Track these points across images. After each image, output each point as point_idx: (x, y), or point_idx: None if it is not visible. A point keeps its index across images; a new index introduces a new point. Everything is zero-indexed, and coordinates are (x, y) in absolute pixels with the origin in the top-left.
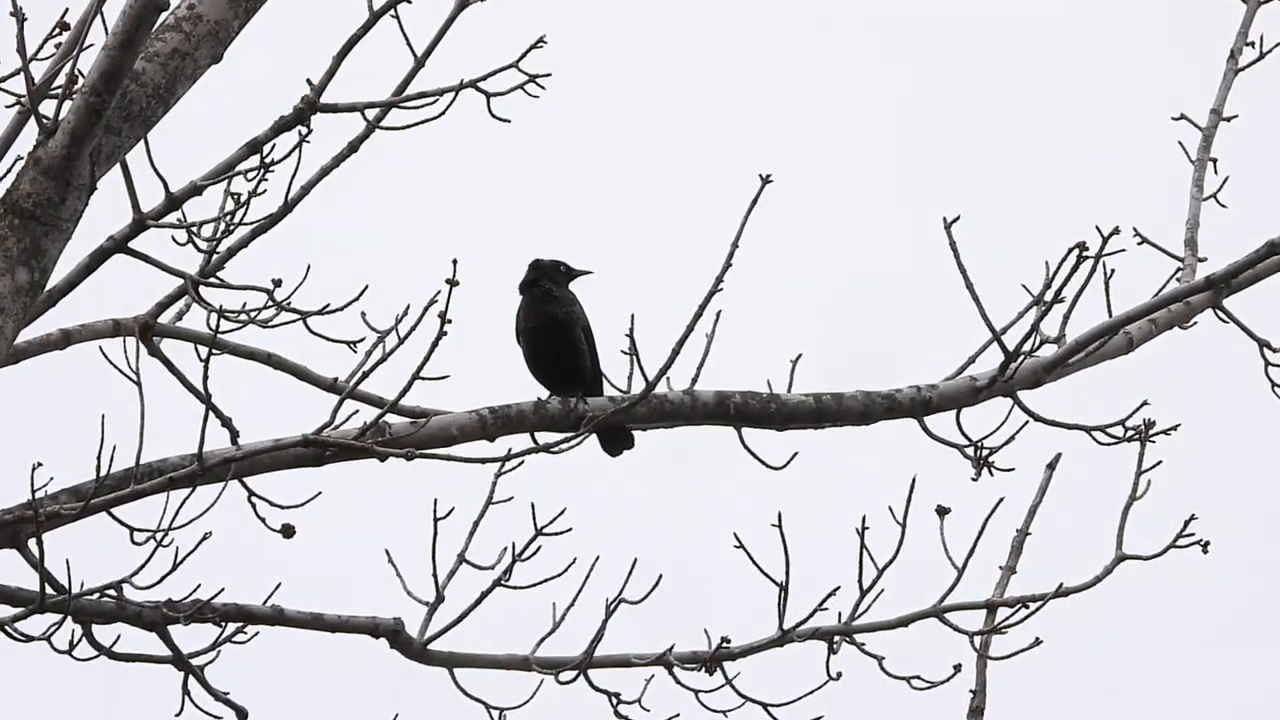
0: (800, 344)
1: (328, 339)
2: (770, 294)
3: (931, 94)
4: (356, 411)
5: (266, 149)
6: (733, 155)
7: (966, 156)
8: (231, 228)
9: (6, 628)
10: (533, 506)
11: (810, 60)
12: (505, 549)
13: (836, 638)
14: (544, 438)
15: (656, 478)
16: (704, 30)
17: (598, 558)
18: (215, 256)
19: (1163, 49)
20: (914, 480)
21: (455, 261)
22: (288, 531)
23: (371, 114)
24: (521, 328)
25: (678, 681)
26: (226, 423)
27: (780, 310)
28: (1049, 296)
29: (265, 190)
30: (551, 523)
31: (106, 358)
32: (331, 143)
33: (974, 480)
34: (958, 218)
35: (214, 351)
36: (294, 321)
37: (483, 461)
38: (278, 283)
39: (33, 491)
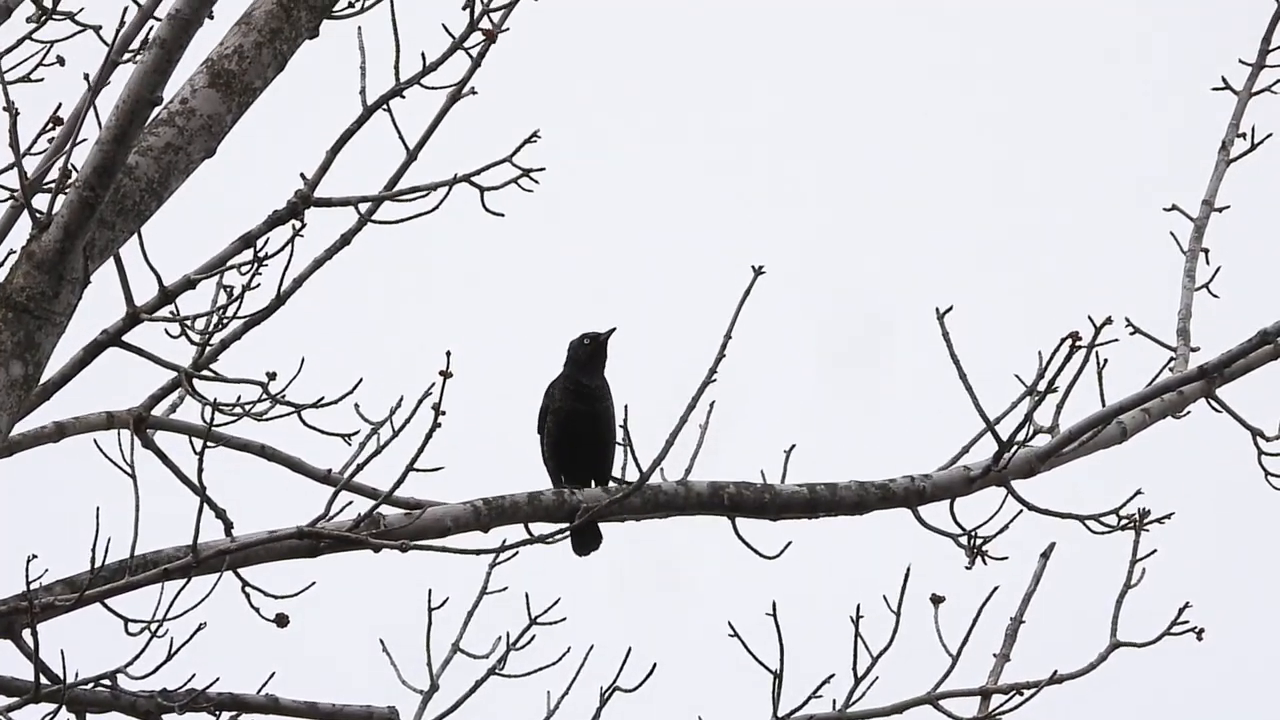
0: (795, 435)
1: (322, 431)
2: (765, 382)
3: (923, 181)
4: (351, 503)
5: (260, 242)
6: (728, 242)
7: (959, 248)
8: (225, 321)
9: (2, 717)
10: (527, 596)
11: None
12: (499, 638)
13: None
14: (538, 528)
15: (651, 567)
16: (698, 113)
17: (591, 646)
18: (208, 349)
19: (1154, 140)
20: (908, 569)
21: (449, 353)
22: (282, 621)
23: (364, 208)
24: (563, 410)
25: None
26: (221, 514)
27: (775, 400)
28: (1042, 386)
29: (259, 283)
30: (545, 612)
31: (101, 450)
32: (325, 235)
33: (968, 569)
34: (950, 308)
35: (208, 444)
36: (288, 414)
37: (477, 553)
38: (272, 375)
39: (27, 583)
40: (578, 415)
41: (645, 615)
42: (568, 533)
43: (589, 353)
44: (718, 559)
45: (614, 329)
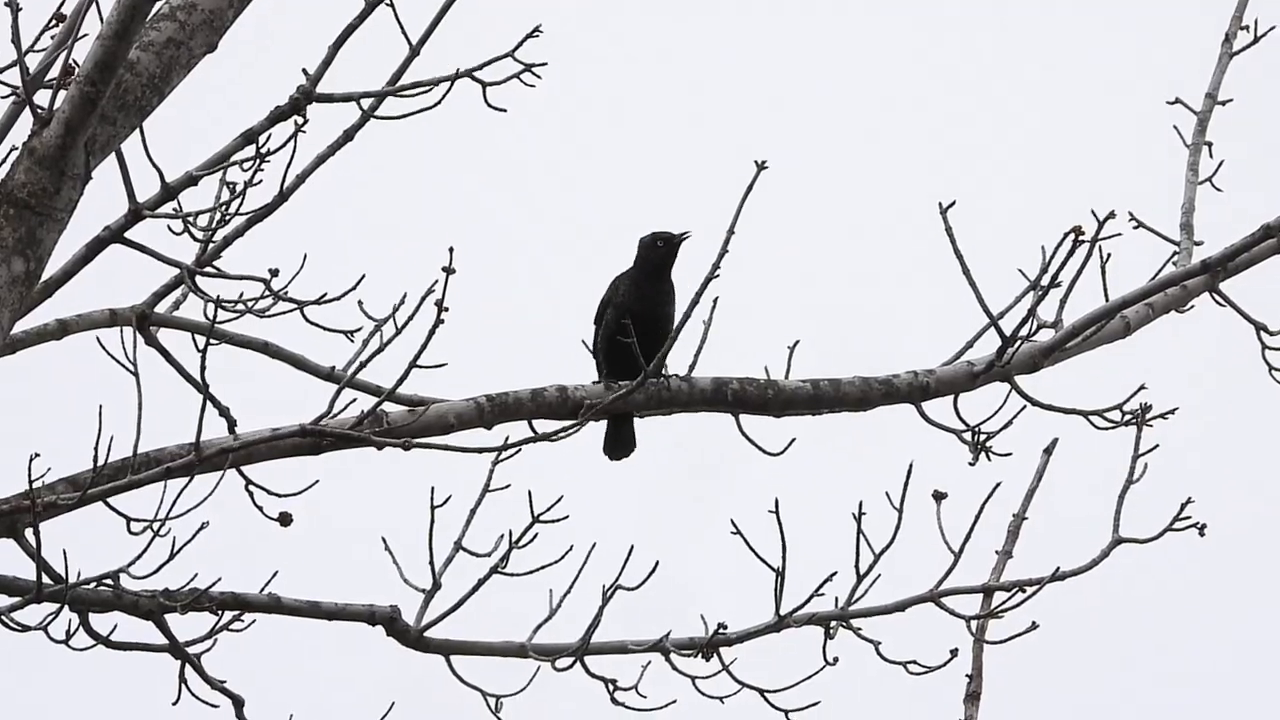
0: (799, 331)
1: (325, 328)
2: (770, 280)
3: (928, 81)
4: (354, 400)
5: (262, 139)
6: (730, 140)
7: (962, 142)
8: (227, 218)
9: (4, 617)
10: (530, 494)
11: (806, 43)
12: (502, 537)
13: (833, 623)
14: (541, 425)
15: (653, 465)
16: (699, 16)
17: (594, 545)
18: (211, 246)
19: (1158, 33)
20: (911, 466)
21: (452, 250)
22: (285, 520)
23: (367, 104)
24: (625, 308)
25: (674, 668)
26: (224, 412)
27: (779, 297)
28: (1045, 281)
29: (261, 180)
30: (548, 510)
31: (104, 347)
32: (327, 132)
33: (971, 465)
34: (953, 203)
35: (211, 341)
36: (291, 311)
37: (480, 451)
38: (274, 272)
39: (30, 481)
40: (639, 315)
41: (647, 513)
42: (572, 429)
43: (661, 255)
44: (722, 457)
45: (687, 233)
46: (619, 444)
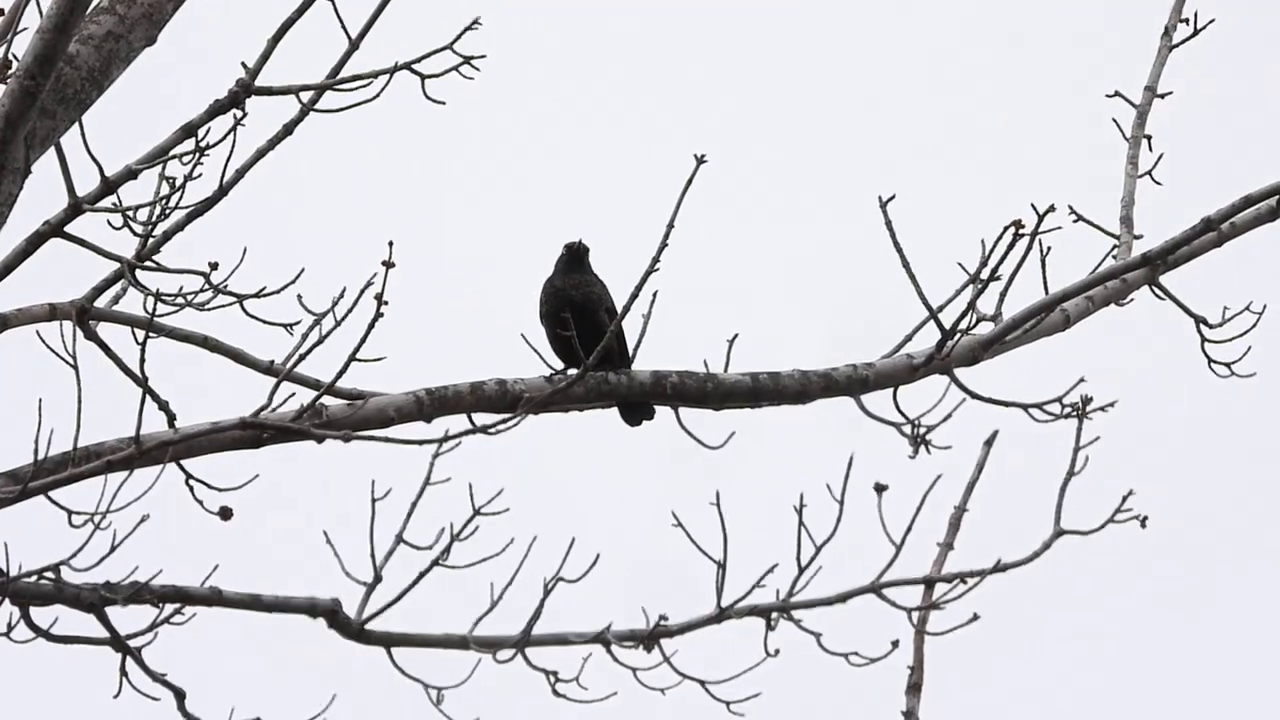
0: (738, 324)
1: (264, 322)
2: (710, 273)
3: (868, 75)
4: (293, 394)
5: (201, 132)
6: (670, 132)
7: (901, 136)
8: (167, 212)
9: None
10: (470, 487)
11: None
12: (443, 529)
13: (774, 615)
14: (481, 419)
15: (593, 458)
16: (639, 7)
17: (535, 538)
18: (151, 240)
19: (1097, 27)
20: (851, 458)
21: (391, 244)
22: (225, 514)
23: (306, 97)
24: (542, 307)
25: (616, 660)
26: (164, 406)
27: (719, 290)
28: (985, 274)
29: (201, 174)
30: (489, 503)
31: (44, 341)
32: (267, 126)
33: (911, 458)
34: (893, 197)
35: (150, 335)
36: (230, 304)
37: (420, 443)
38: (214, 266)
39: None
40: (550, 316)
41: (591, 505)
42: (511, 423)
43: (565, 257)
44: (662, 451)
45: (579, 240)
46: (632, 411)
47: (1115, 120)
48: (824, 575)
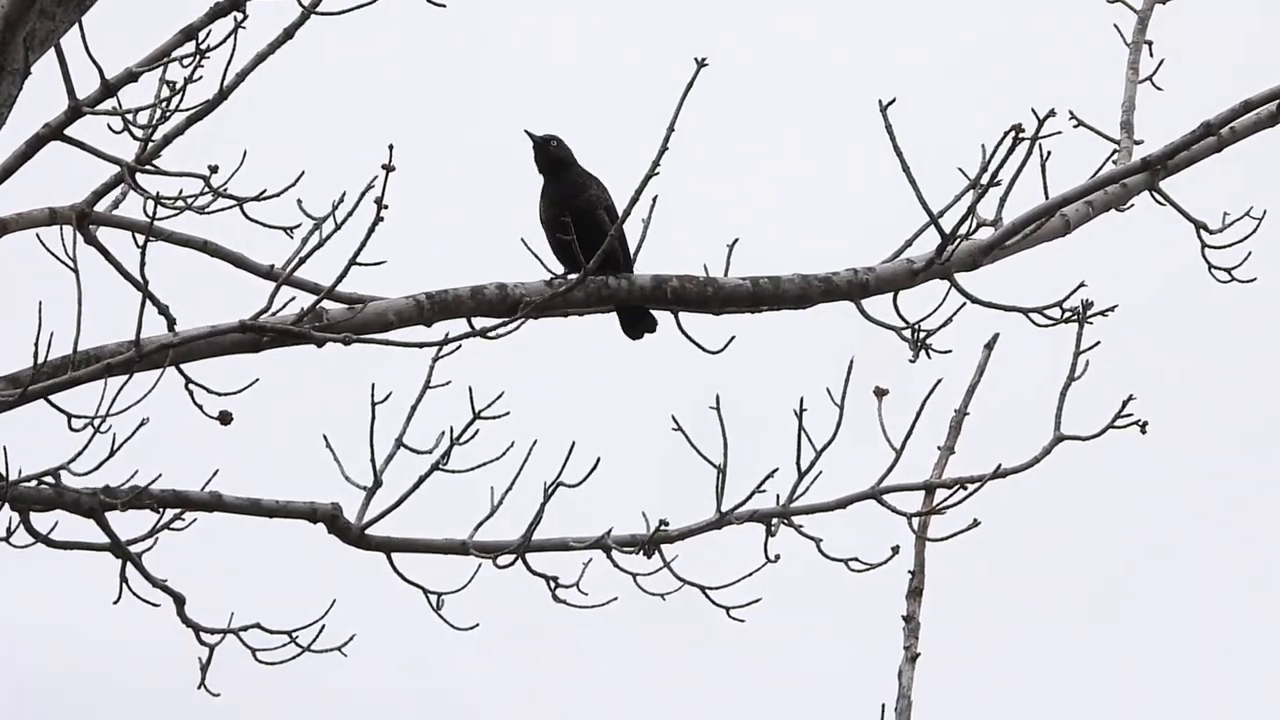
0: (739, 229)
1: (264, 225)
2: (710, 178)
3: None
4: (293, 298)
5: (202, 35)
6: (672, 37)
7: (902, 40)
8: (168, 115)
9: None
10: (470, 390)
11: None
12: (443, 433)
13: (774, 520)
14: (481, 323)
15: (595, 362)
16: None
17: (535, 441)
18: (151, 144)
19: None
20: (851, 362)
21: (391, 147)
22: (225, 418)
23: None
24: (544, 217)
25: (616, 565)
26: (163, 310)
27: (719, 195)
28: (985, 179)
29: (201, 77)
30: (489, 406)
31: (44, 245)
32: (268, 29)
33: (912, 362)
34: (893, 101)
35: (150, 239)
36: (230, 208)
37: (420, 346)
38: (214, 169)
39: None
40: (550, 221)
41: (591, 410)
42: (511, 326)
43: (540, 159)
44: (662, 354)
45: (547, 135)
46: (637, 321)
47: (1116, 25)
48: (824, 481)
